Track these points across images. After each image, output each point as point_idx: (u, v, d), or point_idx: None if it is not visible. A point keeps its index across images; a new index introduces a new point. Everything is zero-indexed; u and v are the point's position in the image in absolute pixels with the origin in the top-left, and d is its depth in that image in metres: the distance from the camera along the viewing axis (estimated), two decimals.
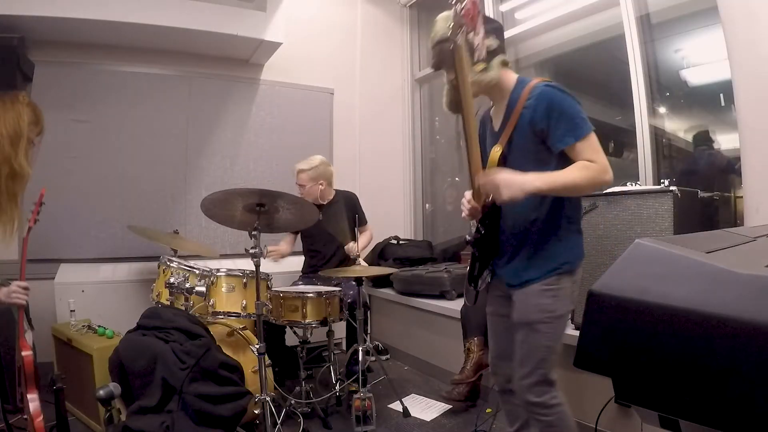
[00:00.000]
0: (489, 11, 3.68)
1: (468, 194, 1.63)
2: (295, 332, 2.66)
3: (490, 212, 1.56)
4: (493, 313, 1.73)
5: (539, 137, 1.47)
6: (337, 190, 3.16)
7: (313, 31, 4.09)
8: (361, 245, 2.98)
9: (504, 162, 1.53)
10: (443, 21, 1.47)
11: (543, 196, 1.48)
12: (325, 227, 2.98)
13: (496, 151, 1.54)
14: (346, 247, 2.96)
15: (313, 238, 3.10)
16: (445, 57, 1.46)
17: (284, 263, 3.27)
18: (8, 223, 1.82)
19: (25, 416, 1.84)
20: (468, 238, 1.69)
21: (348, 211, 3.10)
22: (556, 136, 1.42)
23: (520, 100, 1.49)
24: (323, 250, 3.09)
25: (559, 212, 1.52)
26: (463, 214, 1.66)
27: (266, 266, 2.32)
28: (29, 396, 1.79)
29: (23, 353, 1.83)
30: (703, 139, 2.65)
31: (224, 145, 3.66)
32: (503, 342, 1.66)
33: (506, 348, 1.63)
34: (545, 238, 1.52)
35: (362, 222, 3.12)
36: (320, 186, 3.03)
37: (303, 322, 2.46)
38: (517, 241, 1.56)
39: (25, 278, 1.87)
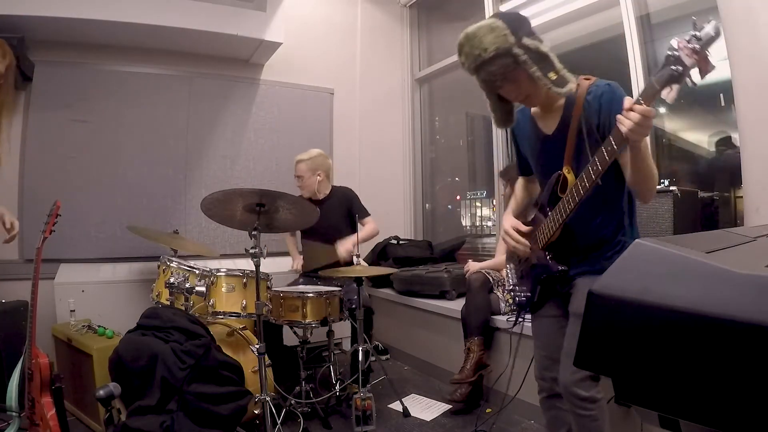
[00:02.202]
0: (489, 11, 3.69)
1: (511, 223, 1.59)
2: (295, 332, 2.66)
3: (560, 239, 1.49)
4: (544, 315, 1.65)
5: (600, 135, 1.39)
6: (333, 186, 3.16)
7: (313, 31, 4.09)
8: (362, 235, 2.97)
9: (573, 162, 1.46)
10: (490, 31, 1.34)
11: (613, 200, 1.47)
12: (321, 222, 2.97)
13: (569, 150, 1.45)
14: (339, 252, 2.90)
15: (311, 232, 3.09)
16: (506, 71, 1.35)
17: (284, 264, 3.28)
18: None
19: (36, 422, 1.85)
20: (511, 283, 1.68)
21: (344, 208, 3.10)
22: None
23: (578, 100, 1.43)
24: (318, 245, 3.08)
25: (626, 215, 1.51)
26: (519, 251, 1.59)
27: (266, 266, 2.32)
28: (44, 400, 1.80)
29: (40, 359, 1.84)
30: (725, 142, 2.63)
31: (224, 145, 3.66)
32: (556, 344, 1.58)
33: (558, 350, 1.57)
34: (611, 242, 1.49)
35: (362, 215, 3.11)
36: (318, 177, 3.02)
37: (303, 322, 2.46)
38: (587, 253, 1.51)
39: (38, 282, 1.89)
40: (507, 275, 1.78)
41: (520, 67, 1.35)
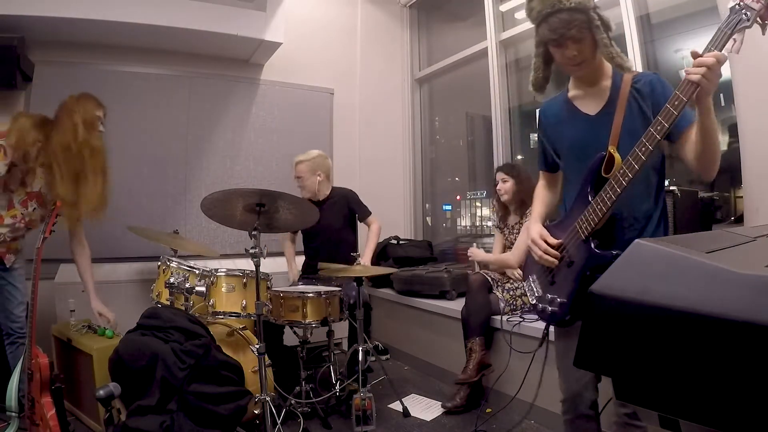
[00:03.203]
0: (489, 11, 3.69)
1: (539, 232, 1.51)
2: (295, 332, 2.66)
3: (605, 226, 1.39)
4: (575, 333, 1.56)
5: (651, 115, 1.36)
6: (333, 187, 3.16)
7: (313, 31, 4.09)
8: (373, 241, 3.03)
9: (619, 140, 1.40)
10: None
11: (658, 188, 1.44)
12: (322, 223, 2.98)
13: (616, 129, 1.40)
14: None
15: (312, 234, 3.10)
16: (579, 27, 1.33)
17: (284, 264, 3.27)
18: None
19: (37, 422, 1.85)
20: (536, 295, 1.53)
21: (344, 209, 3.10)
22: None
23: (624, 82, 1.41)
24: (322, 247, 3.09)
25: (665, 208, 1.48)
26: (545, 263, 1.48)
27: (266, 266, 2.32)
28: (44, 400, 1.81)
29: (40, 359, 1.84)
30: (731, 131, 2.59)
31: (224, 145, 3.66)
32: None
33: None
34: (656, 230, 1.44)
35: (364, 216, 3.11)
36: (318, 177, 3.02)
37: (303, 322, 2.46)
38: (627, 236, 1.43)
39: (38, 282, 1.92)
40: (530, 287, 1.60)
41: (591, 29, 1.35)
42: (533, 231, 1.55)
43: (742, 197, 2.23)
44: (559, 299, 1.45)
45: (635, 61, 2.66)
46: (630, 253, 0.53)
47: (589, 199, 1.39)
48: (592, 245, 1.37)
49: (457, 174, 4.61)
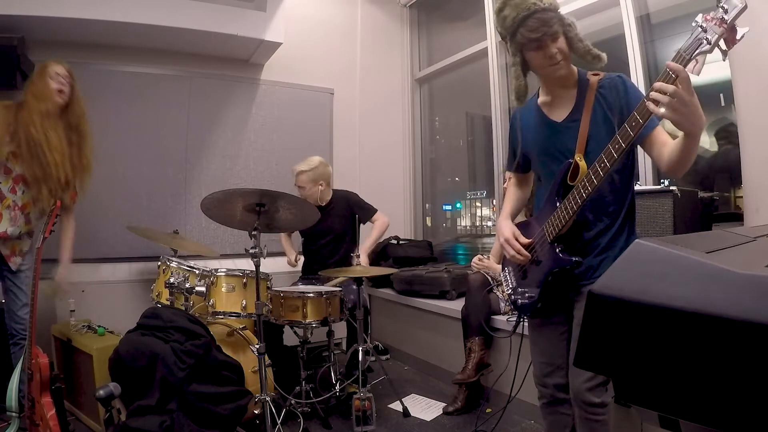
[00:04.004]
0: (489, 11, 3.69)
1: (512, 231, 1.57)
2: (295, 332, 2.66)
3: (569, 231, 1.44)
4: (545, 323, 1.62)
5: (615, 122, 1.39)
6: (334, 191, 3.16)
7: (313, 31, 4.09)
8: (375, 235, 3.04)
9: (586, 147, 1.44)
10: None
11: (623, 191, 1.46)
12: (324, 228, 3.00)
13: (582, 137, 1.44)
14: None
15: (313, 238, 3.10)
16: (553, 26, 1.36)
17: (284, 264, 3.28)
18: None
19: (37, 422, 1.85)
20: (510, 286, 1.62)
21: (347, 212, 3.10)
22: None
23: (590, 87, 1.45)
24: (323, 250, 3.09)
25: (633, 208, 1.50)
26: (517, 260, 1.56)
27: (266, 266, 2.33)
28: (44, 400, 1.81)
29: (40, 359, 1.84)
30: (725, 133, 2.58)
31: (224, 145, 3.66)
32: (556, 350, 1.58)
33: (560, 357, 1.57)
34: (620, 232, 1.47)
35: (368, 215, 3.11)
36: (320, 187, 3.03)
37: (304, 321, 2.46)
38: (590, 241, 1.48)
39: (38, 282, 1.92)
40: (505, 279, 1.71)
41: (564, 28, 1.39)
42: (505, 230, 1.60)
43: (742, 197, 2.23)
44: (528, 293, 1.57)
45: (635, 61, 2.66)
46: (630, 253, 0.53)
47: (557, 204, 1.45)
48: (557, 249, 1.45)
49: (457, 174, 4.61)
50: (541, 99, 1.57)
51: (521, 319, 1.69)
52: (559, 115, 1.52)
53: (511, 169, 1.77)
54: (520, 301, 1.61)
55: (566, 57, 1.42)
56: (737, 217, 2.32)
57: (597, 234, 1.47)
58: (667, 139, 1.34)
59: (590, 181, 1.31)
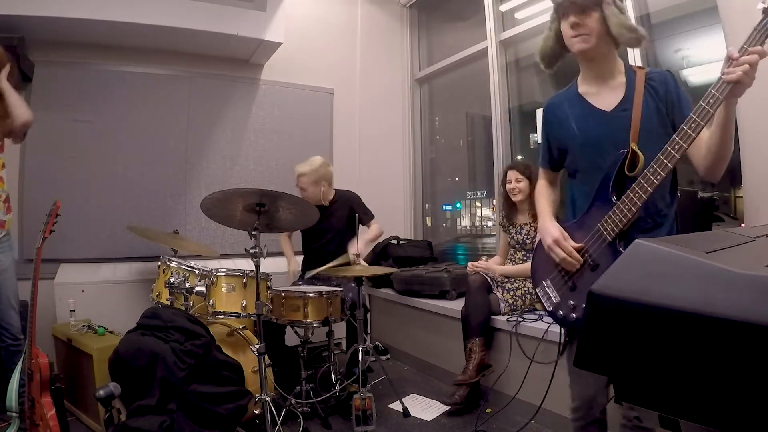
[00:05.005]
0: (489, 11, 3.69)
1: (560, 231, 1.45)
2: (296, 332, 2.66)
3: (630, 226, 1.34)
4: None
5: (664, 115, 1.38)
6: (336, 190, 3.16)
7: (314, 31, 4.09)
8: (369, 237, 3.02)
9: (639, 137, 1.38)
10: None
11: (673, 181, 1.42)
12: (326, 227, 3.00)
13: (635, 126, 1.38)
14: (350, 256, 2.88)
15: (314, 237, 3.10)
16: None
17: (284, 264, 3.28)
18: None
19: (37, 422, 1.85)
20: (553, 301, 1.44)
21: (348, 211, 3.10)
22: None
23: (639, 77, 1.41)
24: (324, 248, 3.09)
25: (674, 204, 1.45)
26: (567, 266, 1.42)
27: (266, 266, 2.33)
28: (44, 400, 1.81)
29: (40, 359, 1.84)
30: None
31: (224, 145, 3.66)
32: (602, 385, 1.44)
33: (603, 395, 1.44)
34: (671, 225, 1.42)
35: (367, 219, 3.12)
36: (322, 188, 3.03)
37: (305, 321, 2.46)
38: (648, 234, 1.39)
39: (38, 282, 1.92)
40: (545, 294, 1.51)
41: (601, 5, 1.36)
42: (553, 231, 1.46)
43: (742, 197, 2.23)
44: (583, 305, 1.36)
45: (635, 61, 2.66)
46: (630, 253, 0.53)
47: (613, 199, 1.35)
48: (620, 247, 1.33)
49: (457, 174, 4.61)
50: (582, 89, 1.51)
51: (568, 340, 1.52)
52: (607, 104, 1.45)
53: (545, 165, 1.67)
54: (572, 315, 1.40)
55: (591, 33, 1.38)
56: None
57: (650, 233, 1.38)
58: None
59: (662, 167, 1.22)
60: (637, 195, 1.27)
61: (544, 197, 1.66)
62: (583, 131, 1.48)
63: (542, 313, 2.51)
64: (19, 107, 2.18)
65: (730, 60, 1.13)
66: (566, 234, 1.45)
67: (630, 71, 1.45)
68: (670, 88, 1.39)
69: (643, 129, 1.37)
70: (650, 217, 1.39)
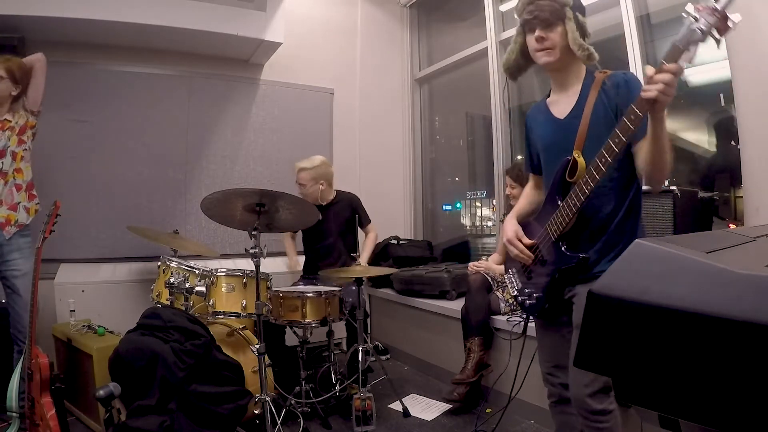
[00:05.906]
0: (489, 11, 3.69)
1: (514, 231, 1.58)
2: (295, 332, 2.66)
3: (573, 228, 1.44)
4: (550, 324, 1.61)
5: (613, 119, 1.40)
6: (338, 191, 3.17)
7: (313, 31, 4.09)
8: (372, 248, 3.11)
9: (584, 144, 1.44)
10: None
11: (623, 187, 1.45)
12: (327, 227, 3.01)
13: (581, 134, 1.44)
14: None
15: (315, 238, 3.10)
16: (552, 15, 1.42)
17: (284, 264, 3.28)
18: None
19: (37, 422, 1.85)
20: (516, 287, 1.62)
21: (349, 213, 3.11)
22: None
23: (595, 83, 1.46)
24: (324, 249, 3.09)
25: (636, 205, 1.48)
26: (522, 260, 1.57)
27: (266, 266, 2.33)
28: (44, 400, 1.81)
29: (40, 359, 1.84)
30: (725, 125, 2.55)
31: (224, 145, 3.66)
32: (561, 351, 1.56)
33: (565, 357, 1.55)
34: (621, 230, 1.45)
35: (365, 222, 3.14)
36: (320, 186, 3.03)
37: (303, 321, 2.46)
38: (593, 237, 1.47)
39: (38, 282, 1.92)
40: (510, 280, 1.71)
41: (563, 20, 1.42)
42: (508, 230, 1.62)
43: (742, 197, 2.23)
44: (535, 293, 1.56)
45: (635, 61, 2.66)
46: (629, 253, 0.53)
47: (558, 202, 1.45)
48: (562, 247, 1.45)
49: (457, 174, 4.61)
50: (550, 98, 1.59)
51: (528, 320, 1.68)
52: (562, 112, 1.53)
53: (528, 170, 1.78)
54: (527, 302, 1.60)
55: (555, 47, 1.44)
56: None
57: (596, 233, 1.46)
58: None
59: (591, 177, 1.31)
60: (572, 201, 1.38)
61: (524, 198, 1.79)
62: (542, 138, 1.60)
63: None
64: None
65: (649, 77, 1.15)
66: (521, 233, 1.60)
67: (589, 78, 1.50)
68: (619, 89, 1.42)
69: (591, 135, 1.42)
70: (597, 217, 1.46)
